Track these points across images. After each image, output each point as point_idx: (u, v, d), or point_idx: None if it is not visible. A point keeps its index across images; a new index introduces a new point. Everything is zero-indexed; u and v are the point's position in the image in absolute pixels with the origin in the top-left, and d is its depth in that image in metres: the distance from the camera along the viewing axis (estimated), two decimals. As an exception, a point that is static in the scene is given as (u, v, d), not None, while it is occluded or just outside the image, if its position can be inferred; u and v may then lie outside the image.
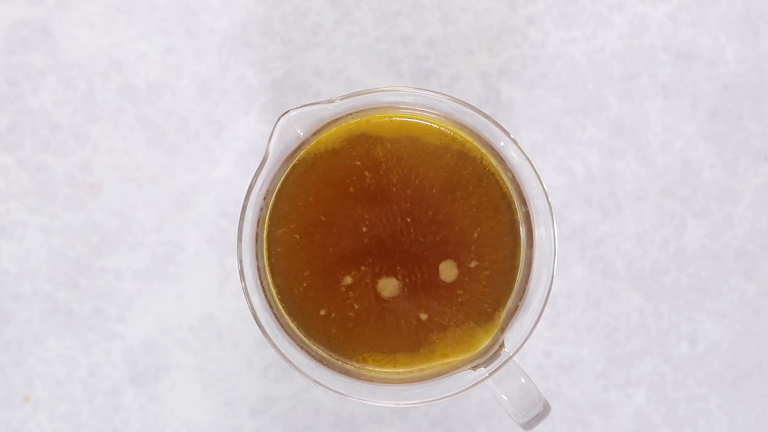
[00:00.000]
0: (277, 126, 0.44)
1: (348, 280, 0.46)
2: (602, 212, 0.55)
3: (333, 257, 0.46)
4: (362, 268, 0.46)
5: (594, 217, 0.55)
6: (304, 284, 0.46)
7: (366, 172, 0.46)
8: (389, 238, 0.46)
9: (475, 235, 0.46)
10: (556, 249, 0.44)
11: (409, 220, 0.46)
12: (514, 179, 0.46)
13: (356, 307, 0.46)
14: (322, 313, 0.46)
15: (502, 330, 0.46)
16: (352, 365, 0.46)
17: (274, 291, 0.46)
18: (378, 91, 0.45)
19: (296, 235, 0.46)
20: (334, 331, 0.46)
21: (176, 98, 0.54)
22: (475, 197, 0.46)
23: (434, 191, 0.46)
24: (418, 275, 0.46)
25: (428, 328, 0.46)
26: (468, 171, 0.46)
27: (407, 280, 0.46)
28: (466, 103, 0.44)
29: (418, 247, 0.46)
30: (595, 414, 0.55)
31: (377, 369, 0.46)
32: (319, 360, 0.46)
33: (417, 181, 0.46)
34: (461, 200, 0.46)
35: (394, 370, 0.47)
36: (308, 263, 0.46)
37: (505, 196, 0.46)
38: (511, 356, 0.44)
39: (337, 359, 0.46)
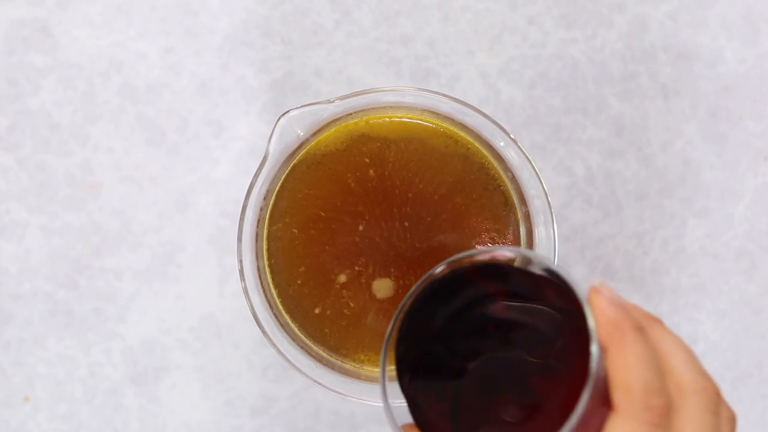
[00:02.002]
0: (277, 126, 0.44)
1: (343, 278, 0.46)
2: (602, 212, 0.55)
3: (330, 256, 0.46)
4: (357, 268, 0.46)
5: (594, 217, 0.55)
6: (299, 281, 0.46)
7: (366, 174, 0.46)
8: (385, 240, 0.46)
9: (473, 244, 0.46)
10: (556, 249, 0.44)
11: (407, 224, 0.46)
12: (514, 179, 0.46)
13: (351, 305, 0.46)
14: (317, 311, 0.46)
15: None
16: (351, 365, 0.46)
17: (273, 291, 0.46)
18: (378, 91, 0.45)
19: (294, 231, 0.46)
20: (327, 329, 0.46)
21: (176, 98, 0.54)
22: (477, 205, 0.46)
23: (435, 197, 0.46)
24: (413, 279, 0.46)
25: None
26: (472, 178, 0.46)
27: (401, 282, 0.46)
28: (466, 103, 0.44)
29: (414, 251, 0.46)
30: (595, 414, 0.55)
31: (375, 369, 0.46)
32: (319, 359, 0.46)
33: (421, 186, 0.46)
34: (462, 208, 0.46)
35: (392, 368, 0.47)
36: (305, 261, 0.46)
37: (507, 203, 0.46)
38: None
39: (336, 359, 0.46)
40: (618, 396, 0.30)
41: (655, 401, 0.30)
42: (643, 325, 0.32)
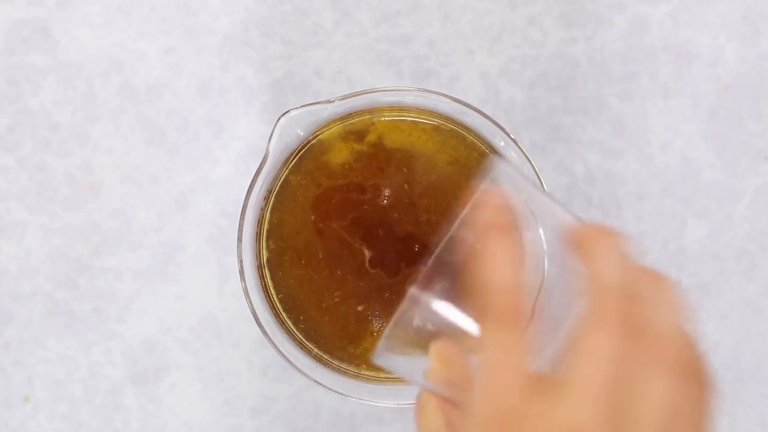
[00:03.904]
0: (277, 126, 0.44)
1: (342, 280, 0.46)
2: (602, 212, 0.55)
3: (331, 257, 0.46)
4: (358, 274, 0.46)
5: (594, 217, 0.55)
6: (299, 282, 0.46)
7: (365, 174, 0.46)
8: (384, 241, 0.46)
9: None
10: (556, 249, 0.44)
11: (404, 223, 0.46)
12: (514, 179, 0.46)
13: (350, 314, 0.46)
14: (317, 313, 0.46)
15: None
16: (351, 370, 0.47)
17: (273, 291, 0.46)
18: (378, 91, 0.45)
19: (294, 231, 0.46)
20: (326, 331, 0.46)
21: (176, 98, 0.54)
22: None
23: (434, 197, 0.46)
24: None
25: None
26: (472, 178, 0.46)
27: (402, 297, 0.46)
28: (466, 103, 0.44)
29: (412, 251, 0.46)
30: (595, 414, 0.55)
31: (373, 375, 0.47)
32: (319, 360, 0.46)
33: (419, 185, 0.46)
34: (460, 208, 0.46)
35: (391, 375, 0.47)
36: (306, 261, 0.46)
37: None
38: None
39: (334, 360, 0.47)
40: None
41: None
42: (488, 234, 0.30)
